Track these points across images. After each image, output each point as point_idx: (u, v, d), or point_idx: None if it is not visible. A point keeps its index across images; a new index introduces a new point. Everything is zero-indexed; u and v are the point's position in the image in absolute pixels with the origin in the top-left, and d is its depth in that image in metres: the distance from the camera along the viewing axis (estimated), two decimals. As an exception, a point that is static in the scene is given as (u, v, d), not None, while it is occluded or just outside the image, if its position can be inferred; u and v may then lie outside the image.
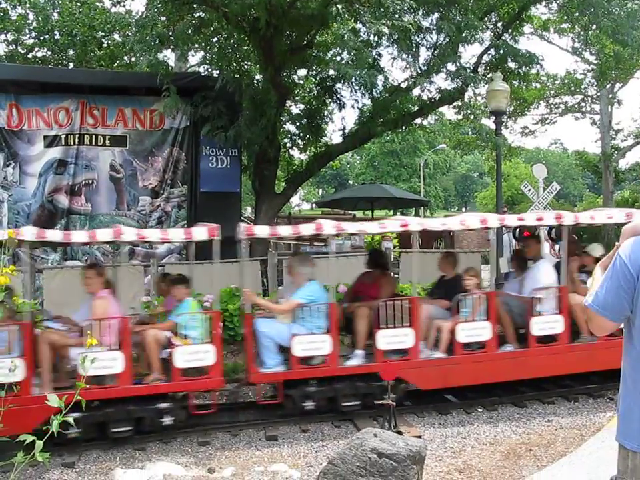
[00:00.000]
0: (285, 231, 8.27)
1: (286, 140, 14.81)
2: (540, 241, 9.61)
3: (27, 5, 18.60)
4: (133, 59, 18.38)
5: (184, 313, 7.41)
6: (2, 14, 18.59)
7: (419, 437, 6.72)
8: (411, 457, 4.75)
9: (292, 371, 7.44)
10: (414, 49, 12.04)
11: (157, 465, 6.18)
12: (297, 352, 7.39)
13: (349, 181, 73.44)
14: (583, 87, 26.73)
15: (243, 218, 15.93)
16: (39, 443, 3.02)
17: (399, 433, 6.41)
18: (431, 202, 53.36)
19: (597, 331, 2.72)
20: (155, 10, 11.87)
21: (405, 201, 23.07)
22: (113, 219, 13.47)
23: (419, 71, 12.37)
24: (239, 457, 6.74)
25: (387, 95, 12.99)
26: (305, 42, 12.37)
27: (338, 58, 12.32)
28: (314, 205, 52.73)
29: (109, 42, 19.06)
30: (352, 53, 10.60)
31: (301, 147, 15.19)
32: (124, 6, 20.02)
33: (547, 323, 8.12)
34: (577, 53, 25.09)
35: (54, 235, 7.40)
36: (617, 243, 2.74)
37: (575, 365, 8.19)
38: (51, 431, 3.08)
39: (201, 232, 7.36)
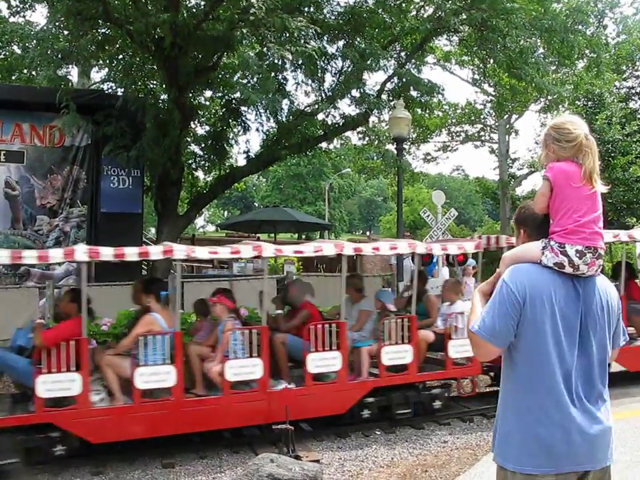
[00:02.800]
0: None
1: (190, 161, 14.67)
2: None
3: None
4: (33, 73, 17.77)
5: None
6: None
7: (317, 461, 6.73)
8: (307, 482, 4.75)
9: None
10: (319, 75, 12.23)
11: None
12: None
13: (255, 203, 73.31)
14: (482, 116, 27.81)
15: (145, 239, 15.63)
16: None
17: (297, 457, 6.40)
18: (335, 225, 53.90)
19: (482, 357, 2.81)
20: (57, 23, 11.56)
21: (308, 224, 23.25)
22: (7, 238, 12.94)
23: (324, 96, 12.56)
24: (133, 487, 6.13)
25: (291, 118, 13.11)
26: (211, 64, 12.33)
27: (244, 81, 12.36)
28: (218, 227, 52.57)
29: (7, 53, 18.37)
30: (256, 78, 10.66)
31: (206, 168, 15.09)
32: (24, 16, 19.35)
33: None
34: (477, 84, 26.11)
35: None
36: (498, 270, 2.84)
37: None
38: None
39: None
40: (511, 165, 29.09)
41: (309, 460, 6.49)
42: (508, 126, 28.11)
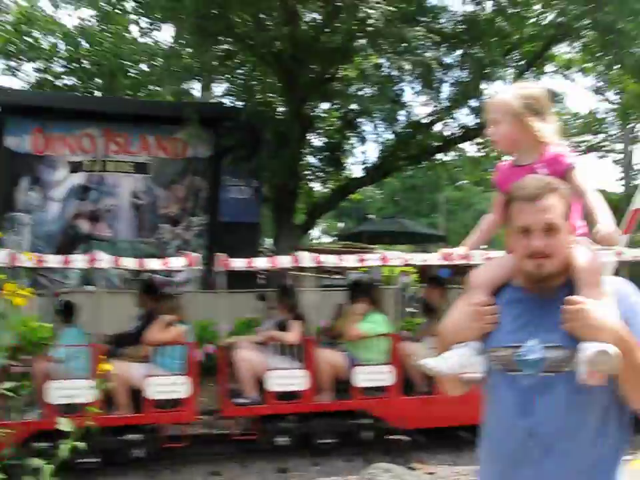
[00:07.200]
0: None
1: (306, 172, 14.87)
2: None
3: (58, 35, 18.99)
4: (158, 88, 18.63)
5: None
6: (33, 43, 18.99)
7: (432, 473, 6.62)
8: (423, 494, 4.73)
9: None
10: (436, 84, 12.12)
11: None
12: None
13: (371, 215, 72.95)
14: (604, 126, 26.65)
15: (262, 249, 15.94)
16: (47, 468, 2.98)
17: (411, 468, 6.32)
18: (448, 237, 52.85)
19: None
20: (181, 40, 12.06)
21: (423, 235, 22.98)
22: (132, 246, 13.53)
23: (441, 107, 12.43)
24: (249, 489, 6.07)
25: (408, 130, 13.05)
26: (329, 75, 12.48)
27: (360, 92, 12.41)
28: (335, 238, 52.98)
29: (136, 71, 19.36)
30: (374, 88, 10.70)
31: (323, 179, 15.27)
32: (151, 37, 20.34)
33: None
34: (600, 92, 25.06)
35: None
36: None
37: None
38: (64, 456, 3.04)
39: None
40: (634, 175, 27.71)
41: (424, 472, 6.40)
42: (632, 135, 26.81)
